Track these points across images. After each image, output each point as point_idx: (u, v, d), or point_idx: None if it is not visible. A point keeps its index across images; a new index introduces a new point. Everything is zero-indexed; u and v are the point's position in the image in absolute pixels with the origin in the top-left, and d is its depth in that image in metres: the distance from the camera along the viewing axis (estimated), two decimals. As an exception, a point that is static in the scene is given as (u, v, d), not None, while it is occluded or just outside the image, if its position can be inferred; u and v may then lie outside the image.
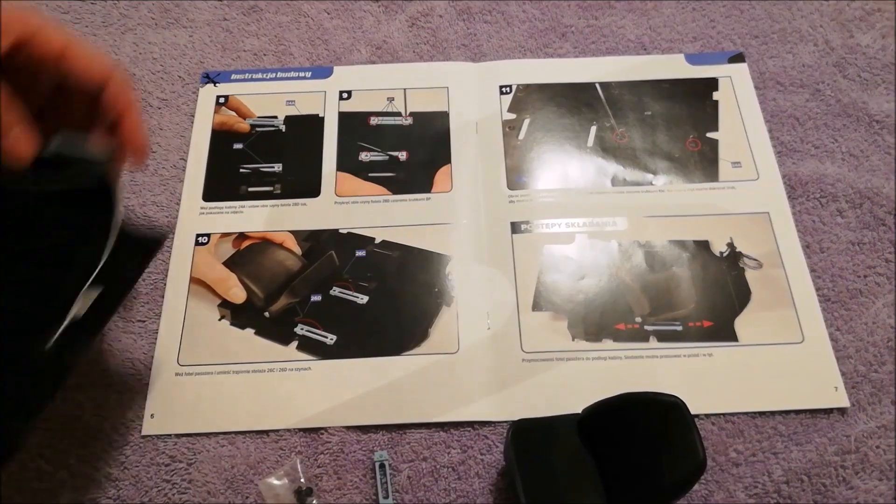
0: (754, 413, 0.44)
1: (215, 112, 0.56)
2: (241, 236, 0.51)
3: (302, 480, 0.42)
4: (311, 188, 0.53)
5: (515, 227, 0.51)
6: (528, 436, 0.40)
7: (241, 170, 0.54)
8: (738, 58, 0.59)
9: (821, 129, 0.55)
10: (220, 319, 0.48)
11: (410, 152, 0.55)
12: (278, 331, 0.47)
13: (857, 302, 0.48)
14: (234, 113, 0.56)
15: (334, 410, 0.44)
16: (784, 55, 0.59)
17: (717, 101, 0.57)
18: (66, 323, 0.35)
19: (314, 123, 0.56)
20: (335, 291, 0.49)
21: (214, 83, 0.58)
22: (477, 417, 0.44)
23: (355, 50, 0.60)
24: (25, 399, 0.35)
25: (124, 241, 0.37)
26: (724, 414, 0.44)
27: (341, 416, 0.44)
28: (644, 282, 0.49)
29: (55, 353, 0.35)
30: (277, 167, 0.54)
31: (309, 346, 0.47)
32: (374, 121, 0.56)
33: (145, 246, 0.40)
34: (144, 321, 0.48)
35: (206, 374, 0.46)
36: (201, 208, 0.52)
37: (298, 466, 0.42)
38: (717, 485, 0.42)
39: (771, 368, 0.45)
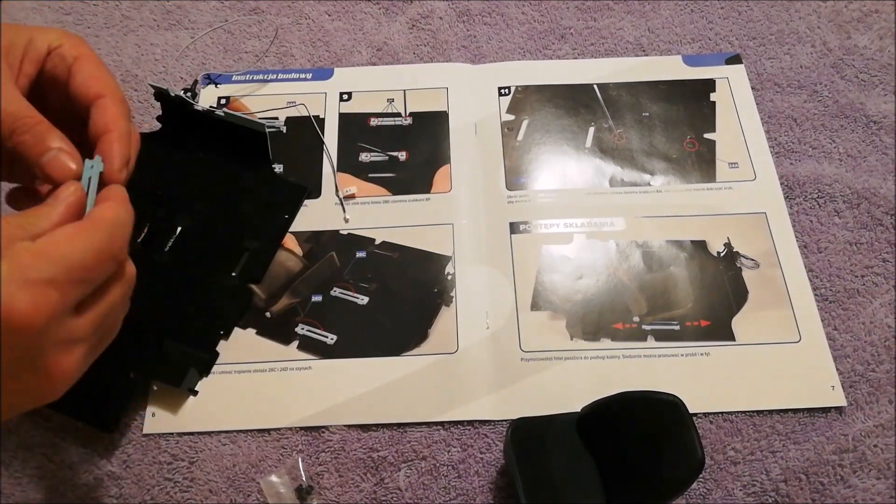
0: (752, 412, 0.45)
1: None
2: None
3: (303, 479, 0.42)
4: (311, 189, 0.53)
5: (514, 228, 0.51)
6: (527, 434, 0.40)
7: (242, 171, 0.54)
8: (735, 59, 0.59)
9: (818, 130, 0.56)
10: (221, 319, 0.48)
11: (410, 153, 0.55)
12: (279, 331, 0.48)
13: (854, 301, 0.48)
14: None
15: (335, 409, 0.45)
16: (782, 56, 0.60)
17: (714, 103, 0.57)
18: (245, 255, 0.49)
19: (314, 124, 0.56)
20: (336, 292, 0.49)
21: (216, 84, 0.58)
22: (476, 416, 0.44)
23: (356, 51, 0.60)
24: (223, 313, 0.47)
25: (279, 190, 0.52)
26: (721, 413, 0.45)
27: (342, 414, 0.45)
28: (642, 281, 0.49)
29: (240, 279, 0.49)
30: (279, 168, 0.54)
31: (310, 346, 0.47)
32: (374, 122, 0.56)
33: (295, 194, 0.52)
34: (146, 321, 0.48)
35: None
36: (203, 209, 0.52)
37: (299, 465, 0.43)
38: (715, 483, 0.43)
39: (768, 367, 0.46)
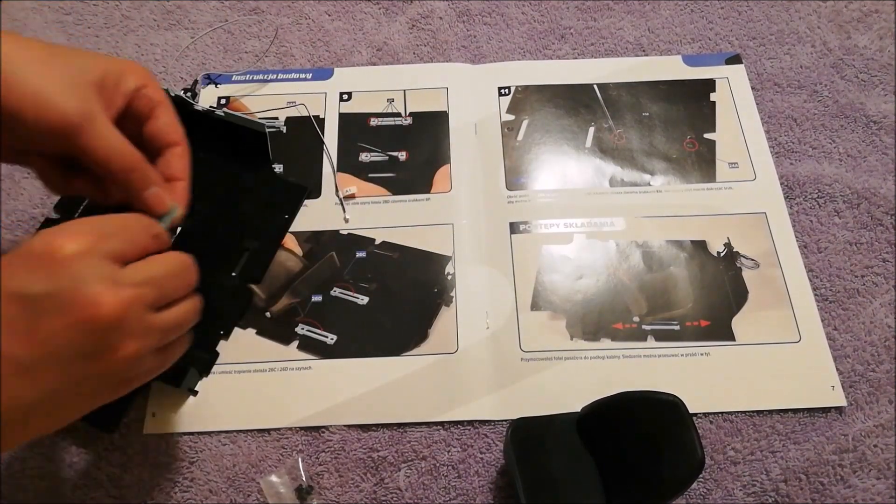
0: (752, 412, 0.45)
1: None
2: (243, 237, 0.52)
3: (303, 479, 0.42)
4: (311, 189, 0.53)
5: (514, 228, 0.51)
6: (527, 434, 0.40)
7: (242, 171, 0.54)
8: (734, 59, 0.59)
9: (818, 130, 0.56)
10: (221, 319, 0.48)
11: (410, 153, 0.55)
12: (279, 331, 0.48)
13: (854, 301, 0.48)
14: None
15: (335, 409, 0.45)
16: (782, 56, 0.60)
17: (714, 102, 0.57)
18: (245, 255, 0.49)
19: (314, 124, 0.56)
20: (336, 292, 0.49)
21: (216, 84, 0.58)
22: (476, 416, 0.44)
23: (356, 51, 0.60)
24: (223, 313, 0.48)
25: (279, 190, 0.52)
26: (721, 413, 0.45)
27: (342, 415, 0.45)
28: (642, 281, 0.49)
29: (240, 279, 0.49)
30: (279, 168, 0.54)
31: (310, 346, 0.47)
32: (374, 122, 0.56)
33: (295, 194, 0.52)
34: (146, 321, 0.48)
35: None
36: (203, 209, 0.52)
37: (300, 465, 0.43)
38: (715, 483, 0.43)
39: (768, 367, 0.46)
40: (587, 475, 0.40)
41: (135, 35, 0.61)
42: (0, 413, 0.29)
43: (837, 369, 0.46)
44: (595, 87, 0.58)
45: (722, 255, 0.50)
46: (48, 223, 0.49)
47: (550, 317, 0.48)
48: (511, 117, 0.57)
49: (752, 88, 0.58)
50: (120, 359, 0.31)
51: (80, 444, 0.44)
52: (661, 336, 0.47)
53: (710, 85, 0.58)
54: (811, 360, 0.46)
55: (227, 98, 0.57)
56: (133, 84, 0.38)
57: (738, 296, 0.48)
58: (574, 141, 0.55)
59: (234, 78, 0.58)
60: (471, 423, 0.44)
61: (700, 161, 0.54)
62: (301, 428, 0.44)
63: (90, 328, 0.30)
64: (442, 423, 0.44)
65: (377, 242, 0.51)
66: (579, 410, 0.41)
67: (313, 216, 0.52)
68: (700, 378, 0.45)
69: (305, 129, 0.56)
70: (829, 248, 0.50)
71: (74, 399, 0.32)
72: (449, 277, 0.49)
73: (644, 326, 0.47)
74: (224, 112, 0.51)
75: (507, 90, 0.58)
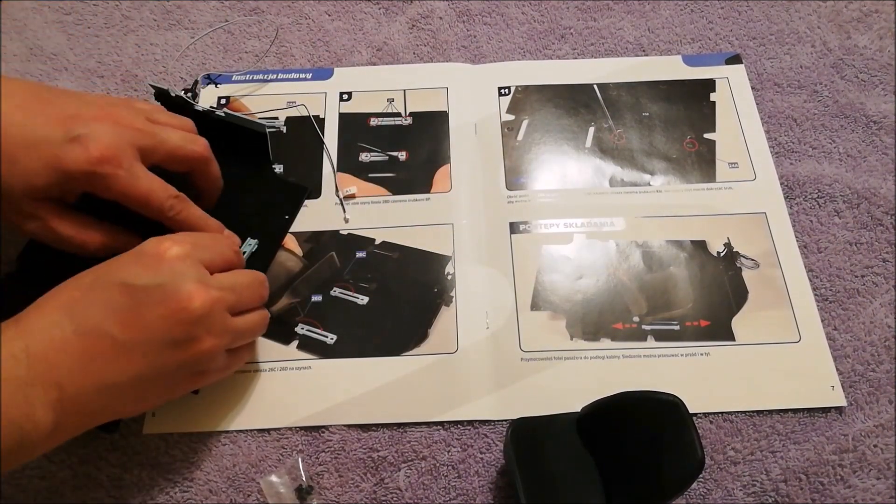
0: (752, 412, 0.45)
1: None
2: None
3: (303, 479, 0.42)
4: (311, 189, 0.53)
5: (514, 228, 0.51)
6: (527, 434, 0.40)
7: (242, 171, 0.54)
8: (734, 59, 0.59)
9: (818, 130, 0.56)
10: (221, 319, 0.48)
11: (410, 153, 0.55)
12: (279, 330, 0.48)
13: (854, 301, 0.48)
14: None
15: (335, 409, 0.45)
16: (782, 56, 0.60)
17: (714, 102, 0.57)
18: (246, 254, 0.48)
19: (314, 124, 0.56)
20: (336, 292, 0.49)
21: (216, 84, 0.58)
22: (476, 416, 0.44)
23: (356, 51, 0.60)
24: None
25: (279, 191, 0.53)
26: (721, 413, 0.45)
27: (342, 414, 0.45)
28: (641, 281, 0.49)
29: None
30: (279, 168, 0.54)
31: (309, 346, 0.47)
32: (374, 122, 0.56)
33: (296, 194, 0.53)
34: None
35: (208, 374, 0.46)
36: (203, 209, 0.52)
37: (300, 465, 0.43)
38: (715, 483, 0.43)
39: (768, 367, 0.46)
40: (587, 475, 0.40)
41: (135, 35, 0.61)
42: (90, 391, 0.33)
43: (837, 369, 0.46)
44: (595, 87, 0.58)
45: (722, 255, 0.50)
46: None
47: (550, 317, 0.48)
48: (511, 117, 0.57)
49: (752, 88, 0.58)
50: (199, 351, 0.36)
51: (80, 444, 0.44)
52: (661, 336, 0.47)
53: (710, 85, 0.58)
54: (811, 360, 0.46)
55: (228, 98, 0.57)
56: (78, 187, 0.39)
57: (738, 296, 0.48)
58: (574, 141, 0.55)
59: (234, 78, 0.58)
60: (471, 423, 0.44)
61: (700, 161, 0.54)
62: (301, 428, 0.44)
63: (181, 318, 0.35)
64: (442, 423, 0.44)
65: (377, 242, 0.51)
66: (579, 410, 0.41)
67: (313, 216, 0.52)
68: (700, 378, 0.45)
69: (305, 129, 0.56)
70: (829, 248, 0.50)
71: (155, 386, 0.36)
72: (449, 277, 0.49)
73: (644, 326, 0.47)
74: (224, 112, 0.51)
75: (507, 90, 0.58)
